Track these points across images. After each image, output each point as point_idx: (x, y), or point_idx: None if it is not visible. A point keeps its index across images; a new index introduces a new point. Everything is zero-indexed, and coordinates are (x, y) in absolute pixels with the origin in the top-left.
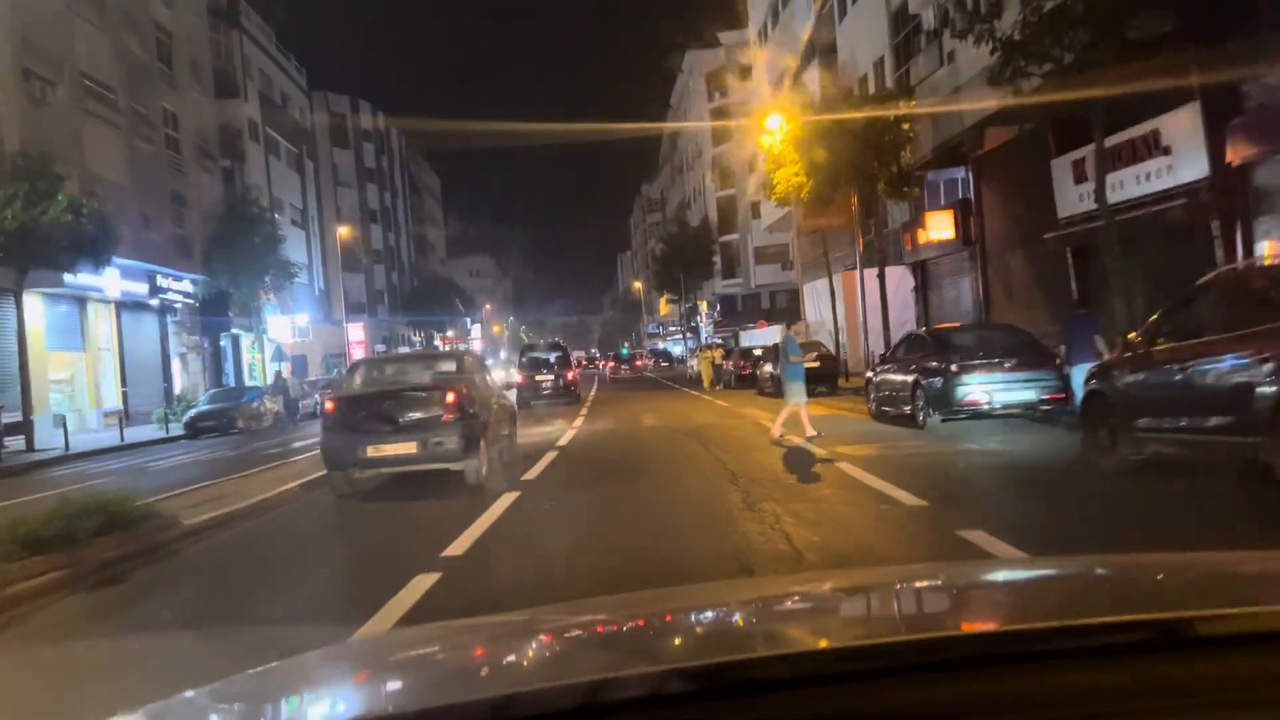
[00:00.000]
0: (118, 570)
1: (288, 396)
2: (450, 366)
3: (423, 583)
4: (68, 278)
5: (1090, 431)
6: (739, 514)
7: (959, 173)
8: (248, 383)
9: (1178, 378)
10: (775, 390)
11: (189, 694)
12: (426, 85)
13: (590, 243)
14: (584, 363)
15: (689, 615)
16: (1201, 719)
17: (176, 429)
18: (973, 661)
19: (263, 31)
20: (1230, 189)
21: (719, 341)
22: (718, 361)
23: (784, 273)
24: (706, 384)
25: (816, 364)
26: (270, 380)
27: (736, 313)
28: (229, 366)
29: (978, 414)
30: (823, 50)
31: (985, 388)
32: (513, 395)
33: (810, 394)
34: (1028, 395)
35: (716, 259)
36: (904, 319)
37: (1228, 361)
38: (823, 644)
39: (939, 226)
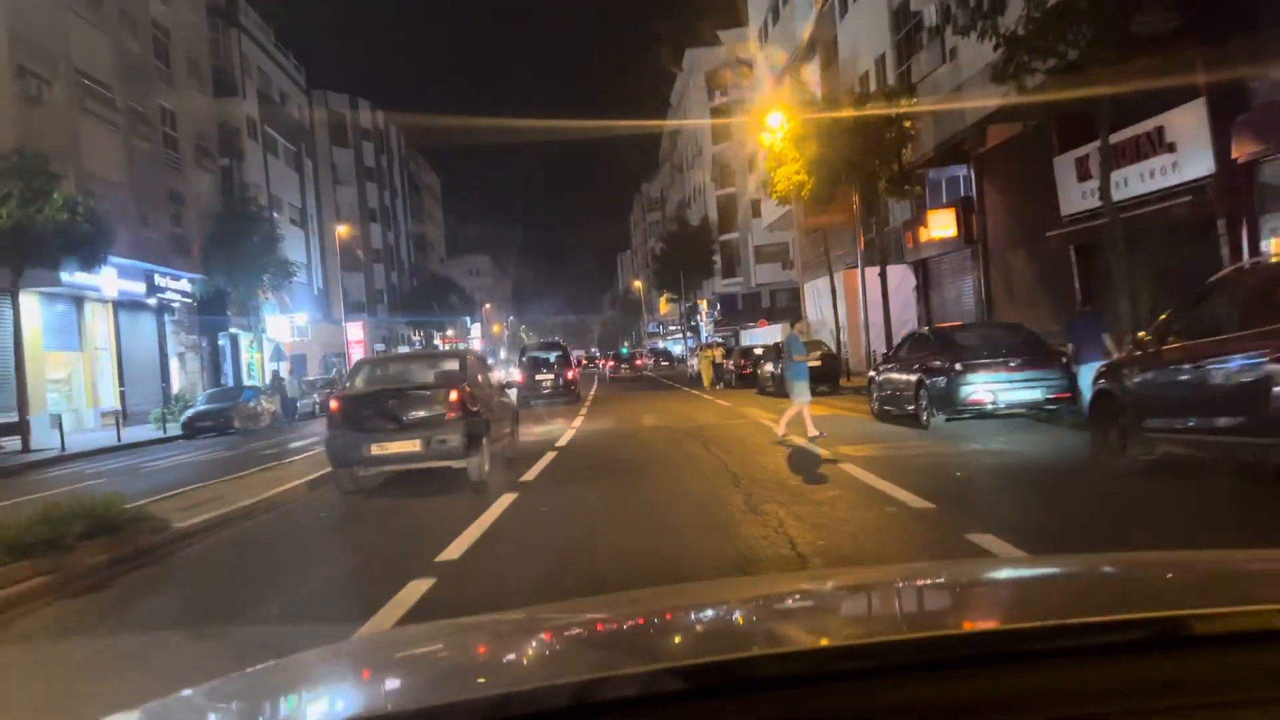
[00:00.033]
0: (104, 576)
1: (285, 396)
2: (453, 366)
3: (416, 589)
4: (64, 277)
5: (1099, 432)
6: (741, 517)
7: (961, 170)
8: (246, 382)
9: (1190, 377)
10: (776, 389)
11: (186, 693)
12: (426, 85)
13: (590, 242)
14: (584, 362)
15: (687, 613)
16: (1200, 717)
17: (174, 429)
18: (970, 660)
19: (261, 30)
20: (1236, 186)
21: (719, 341)
22: (718, 361)
23: (784, 271)
24: (707, 383)
25: (818, 363)
26: (268, 380)
27: (737, 312)
28: (228, 366)
29: (982, 414)
30: (824, 48)
31: (990, 387)
32: (513, 394)
33: (812, 393)
34: (1033, 395)
35: (717, 258)
36: (905, 318)
37: (1241, 360)
38: (820, 642)
39: (941, 225)
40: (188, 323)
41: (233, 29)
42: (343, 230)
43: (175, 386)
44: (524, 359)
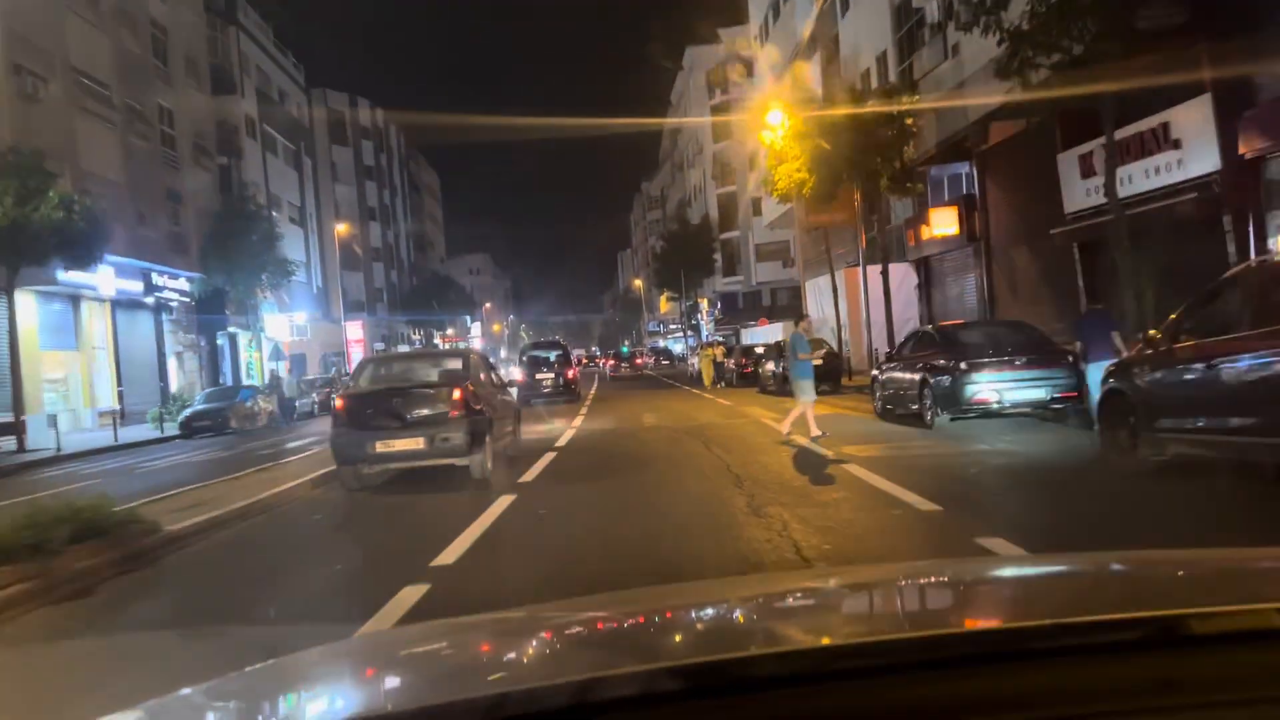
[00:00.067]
0: (91, 581)
1: (282, 396)
2: (456, 364)
3: (410, 595)
4: (61, 275)
5: (1109, 432)
6: (744, 519)
7: (963, 168)
8: (245, 382)
9: (1202, 376)
10: (777, 388)
11: (185, 691)
12: (426, 84)
13: (590, 241)
14: (584, 361)
15: (688, 612)
16: (1200, 716)
17: (172, 429)
18: (971, 659)
19: (260, 28)
20: (1242, 182)
21: (720, 339)
22: (719, 359)
23: (785, 270)
24: (708, 382)
25: (820, 362)
26: (266, 379)
27: (737, 310)
28: (226, 365)
29: (987, 413)
30: (825, 45)
31: (995, 386)
32: (514, 393)
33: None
34: (1039, 394)
35: (717, 256)
36: (907, 316)
37: (1257, 359)
38: (820, 641)
39: (943, 222)
40: (186, 322)
41: (231, 27)
42: (342, 229)
43: (173, 386)
44: (524, 358)
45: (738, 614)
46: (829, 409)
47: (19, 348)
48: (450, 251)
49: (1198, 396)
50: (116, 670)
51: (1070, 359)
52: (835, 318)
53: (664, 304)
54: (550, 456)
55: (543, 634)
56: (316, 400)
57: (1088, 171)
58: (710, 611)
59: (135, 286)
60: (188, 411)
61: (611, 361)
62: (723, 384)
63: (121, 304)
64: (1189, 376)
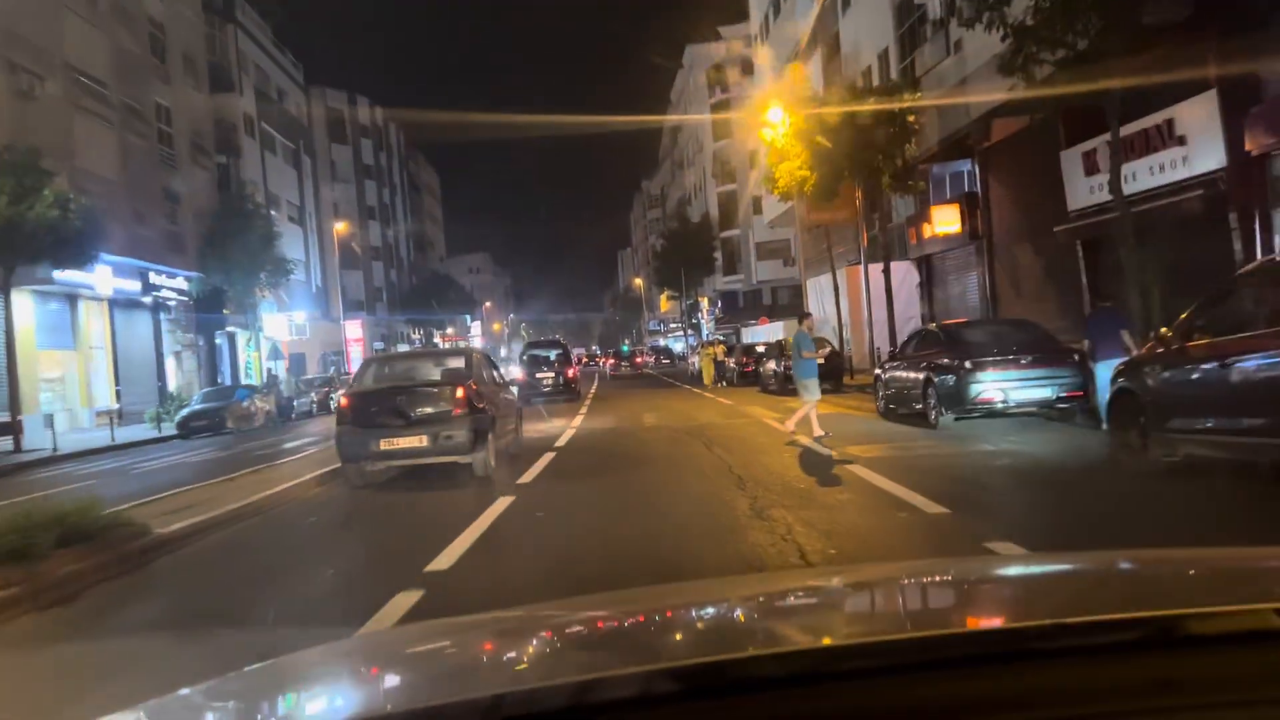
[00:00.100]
0: (77, 586)
1: (280, 395)
2: (459, 363)
3: (403, 602)
4: (58, 274)
5: (1119, 432)
6: (747, 522)
7: (965, 165)
8: (244, 381)
9: (1215, 375)
10: (779, 388)
11: (184, 691)
12: (426, 83)
13: (590, 239)
14: (584, 360)
15: (687, 612)
16: (1200, 717)
17: (169, 428)
18: (971, 659)
19: (259, 26)
20: (1249, 179)
21: (720, 338)
22: (719, 358)
23: (786, 268)
24: (708, 381)
25: (822, 361)
26: (264, 379)
27: (738, 309)
28: (225, 365)
29: (992, 412)
30: (826, 43)
31: (1000, 385)
32: (515, 392)
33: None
34: (1044, 393)
35: (718, 255)
36: (909, 315)
37: (1272, 357)
38: (820, 642)
39: (945, 220)
40: (184, 321)
41: (230, 25)
42: (341, 228)
43: (171, 386)
44: (524, 357)
45: (737, 614)
46: (831, 408)
47: (15, 347)
48: (450, 250)
49: (1210, 396)
50: (106, 675)
51: (1076, 358)
52: (837, 316)
53: (664, 303)
54: (549, 457)
55: (542, 634)
56: (315, 400)
57: (1091, 169)
58: (710, 611)
59: (133, 286)
60: (185, 411)
61: (612, 361)
62: (723, 383)
63: (119, 303)
64: (1201, 376)
